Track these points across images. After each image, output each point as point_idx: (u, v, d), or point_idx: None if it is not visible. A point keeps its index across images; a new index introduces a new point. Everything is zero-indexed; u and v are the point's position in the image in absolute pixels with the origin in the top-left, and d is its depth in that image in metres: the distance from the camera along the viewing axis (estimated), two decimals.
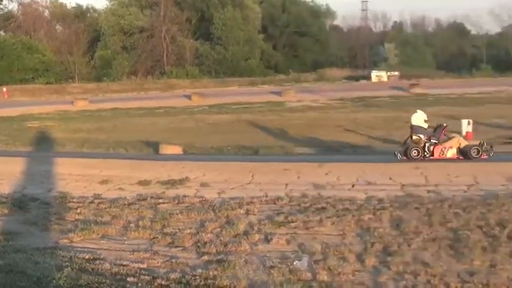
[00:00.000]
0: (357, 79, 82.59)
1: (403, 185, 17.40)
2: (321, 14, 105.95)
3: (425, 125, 23.03)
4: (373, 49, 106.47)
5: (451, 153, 21.95)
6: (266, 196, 16.30)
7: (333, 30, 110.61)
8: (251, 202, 15.42)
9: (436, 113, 44.26)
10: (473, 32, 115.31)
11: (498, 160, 22.26)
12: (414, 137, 22.54)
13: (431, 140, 22.34)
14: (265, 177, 19.23)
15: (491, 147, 22.66)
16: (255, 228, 12.82)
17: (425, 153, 22.12)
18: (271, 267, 10.13)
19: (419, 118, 22.94)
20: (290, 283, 9.31)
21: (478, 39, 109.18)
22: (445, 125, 23.39)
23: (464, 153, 22.10)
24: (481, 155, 21.98)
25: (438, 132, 22.65)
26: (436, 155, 21.95)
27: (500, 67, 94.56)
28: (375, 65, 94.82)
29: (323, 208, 14.42)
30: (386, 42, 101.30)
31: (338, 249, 10.92)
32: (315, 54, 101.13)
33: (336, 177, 18.78)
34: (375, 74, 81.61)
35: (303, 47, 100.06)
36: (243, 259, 10.61)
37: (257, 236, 12.06)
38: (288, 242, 11.72)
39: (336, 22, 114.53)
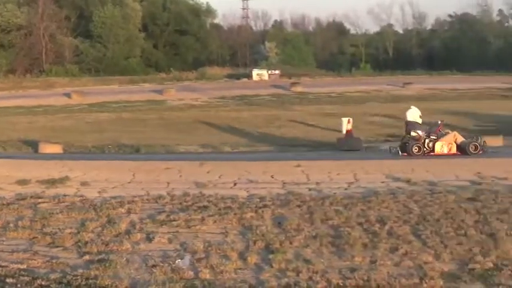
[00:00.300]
0: (238, 77, 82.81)
1: (284, 183, 17.49)
2: (201, 13, 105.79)
3: (420, 121, 23.41)
4: (254, 48, 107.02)
5: (451, 149, 22.47)
6: (148, 195, 16.11)
7: (213, 28, 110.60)
8: (132, 201, 15.20)
9: (317, 112, 45.02)
10: (352, 31, 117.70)
11: (379, 158, 22.75)
12: (413, 133, 22.84)
13: (431, 137, 22.74)
14: (146, 176, 19.02)
15: (484, 142, 23.09)
16: (137, 227, 12.62)
17: (425, 149, 22.53)
18: (153, 266, 9.99)
19: (414, 114, 23.31)
20: (172, 282, 9.19)
21: (357, 39, 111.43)
22: (439, 122, 23.87)
23: (462, 149, 22.56)
24: (479, 150, 22.40)
25: (434, 128, 23.07)
26: (436, 151, 22.39)
27: (379, 66, 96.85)
28: (256, 64, 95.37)
29: (205, 207, 14.34)
30: (267, 40, 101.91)
31: (220, 248, 10.86)
32: (196, 53, 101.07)
33: (217, 176, 18.73)
34: (256, 73, 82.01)
35: (184, 45, 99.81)
36: (125, 258, 10.43)
37: (139, 235, 11.89)
38: (170, 240, 11.58)
39: (217, 20, 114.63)
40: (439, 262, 9.74)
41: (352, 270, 9.48)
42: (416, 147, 22.63)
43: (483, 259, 9.70)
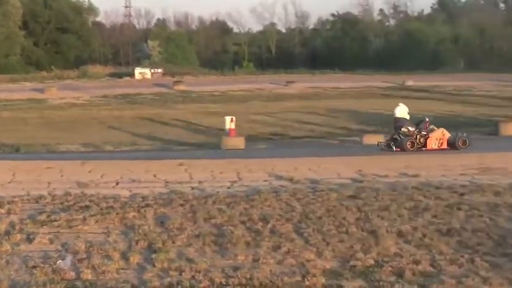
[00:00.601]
0: (120, 76, 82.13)
1: (167, 182, 17.38)
2: (83, 10, 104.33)
3: (408, 117, 24.18)
4: (136, 46, 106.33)
5: (443, 144, 23.34)
6: (28, 195, 15.72)
7: (95, 26, 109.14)
8: (12, 201, 14.79)
9: (200, 110, 45.02)
10: (235, 30, 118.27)
11: (262, 156, 22.90)
12: (404, 129, 23.54)
13: (422, 132, 23.48)
14: (27, 176, 18.57)
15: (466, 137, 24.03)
16: (17, 227, 12.29)
17: (418, 145, 23.32)
18: (34, 267, 9.74)
19: (403, 111, 24.12)
20: (53, 283, 8.98)
21: (240, 37, 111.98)
22: (427, 119, 24.46)
23: (451, 144, 23.44)
24: (468, 145, 23.28)
25: (422, 125, 23.78)
26: (428, 146, 23.16)
27: (262, 65, 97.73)
28: (139, 62, 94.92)
29: (87, 206, 14.09)
30: (149, 39, 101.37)
31: (102, 248, 10.68)
32: (78, 51, 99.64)
33: (99, 175, 18.47)
34: (138, 71, 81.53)
35: (66, 43, 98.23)
36: (4, 260, 10.14)
37: (19, 236, 11.57)
38: (51, 241, 11.32)
39: (99, 18, 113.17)
40: (321, 259, 9.83)
41: (235, 268, 9.46)
42: (409, 143, 23.45)
43: (364, 256, 9.85)
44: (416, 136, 23.65)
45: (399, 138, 23.82)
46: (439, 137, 23.75)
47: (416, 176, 17.27)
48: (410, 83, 71.48)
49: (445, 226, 11.48)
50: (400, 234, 11.12)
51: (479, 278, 8.71)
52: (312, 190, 15.65)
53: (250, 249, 10.51)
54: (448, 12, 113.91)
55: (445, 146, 23.52)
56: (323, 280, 8.82)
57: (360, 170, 18.32)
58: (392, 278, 8.85)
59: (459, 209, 12.93)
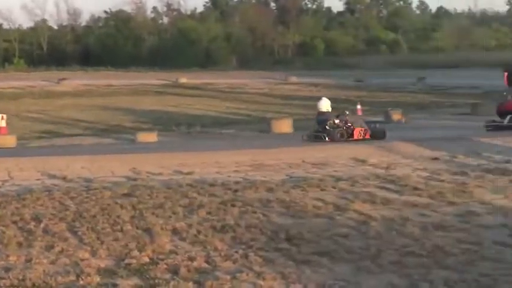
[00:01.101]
0: None
1: None
2: None
3: (331, 110, 25.66)
4: None
5: (367, 134, 24.81)
6: None
7: None
8: None
9: None
10: (5, 26, 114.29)
11: (34, 155, 22.39)
12: (330, 122, 24.92)
13: (348, 124, 24.91)
14: None
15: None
16: None
17: (346, 135, 24.67)
18: None
19: (326, 105, 25.53)
20: None
21: (10, 33, 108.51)
22: (347, 112, 26.34)
23: (373, 135, 25.03)
24: (385, 136, 24.99)
25: (343, 117, 25.33)
26: (355, 136, 24.56)
27: (33, 61, 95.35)
28: None
29: None
30: None
31: None
32: None
33: None
34: None
35: None
36: None
37: None
38: None
39: None
40: (95, 258, 9.78)
41: (7, 269, 9.23)
42: (339, 134, 24.69)
43: (139, 254, 9.88)
44: (344, 127, 25.03)
45: (326, 131, 25.06)
46: (362, 128, 25.25)
47: (190, 173, 17.49)
48: (183, 80, 72.21)
49: (220, 223, 11.71)
50: (175, 231, 11.25)
51: (253, 273, 8.96)
52: (86, 189, 15.49)
53: (22, 249, 10.29)
54: (221, 10, 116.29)
55: (368, 136, 25.01)
56: (98, 279, 8.78)
57: (135, 168, 18.32)
58: (168, 275, 8.93)
59: (233, 205, 13.22)
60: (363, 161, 18.91)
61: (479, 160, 18.96)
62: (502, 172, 17.00)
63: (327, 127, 25.02)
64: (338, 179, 16.21)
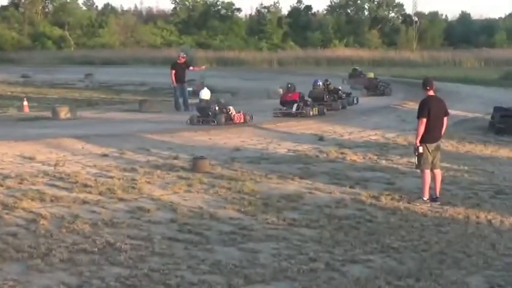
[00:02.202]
0: None
1: None
2: None
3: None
4: None
5: (241, 119, 27.08)
6: None
7: None
8: None
9: None
10: None
11: None
12: (217, 107, 27.04)
13: (227, 110, 27.14)
14: None
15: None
16: None
17: (229, 120, 26.86)
18: None
19: (208, 94, 28.07)
20: None
21: None
22: (222, 100, 29.05)
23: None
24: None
25: (221, 105, 27.55)
26: (235, 121, 26.91)
27: None
28: None
29: None
30: None
31: None
32: None
33: None
34: None
35: None
36: None
37: None
38: None
39: None
40: None
41: None
42: (224, 118, 26.61)
43: None
44: (226, 113, 26.94)
45: (214, 116, 26.83)
46: (236, 113, 27.23)
47: None
48: None
49: None
50: None
51: None
52: None
53: None
54: None
55: (242, 120, 27.14)
56: None
57: None
58: None
59: None
60: (31, 158, 18.51)
61: (148, 156, 19.39)
62: (170, 168, 17.57)
63: (209, 113, 27.11)
64: (5, 177, 15.79)
